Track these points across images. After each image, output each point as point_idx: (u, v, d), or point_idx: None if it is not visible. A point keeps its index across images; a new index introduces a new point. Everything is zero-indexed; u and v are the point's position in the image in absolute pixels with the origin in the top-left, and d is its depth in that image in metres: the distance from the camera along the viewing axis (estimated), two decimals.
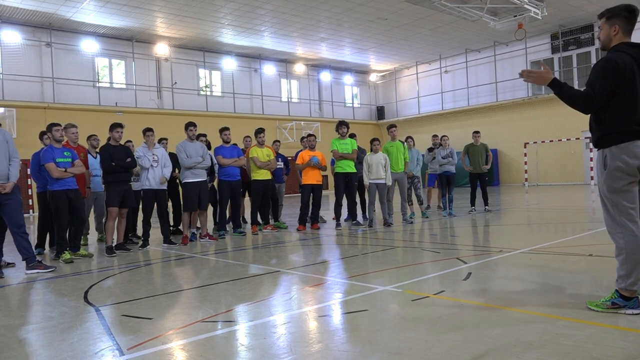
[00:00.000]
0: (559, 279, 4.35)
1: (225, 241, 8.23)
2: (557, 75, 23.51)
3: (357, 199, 10.18)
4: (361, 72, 30.50)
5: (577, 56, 22.96)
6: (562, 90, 3.29)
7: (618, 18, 3.29)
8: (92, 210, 8.47)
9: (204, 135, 8.92)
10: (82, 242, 8.09)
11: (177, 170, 8.75)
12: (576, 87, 22.57)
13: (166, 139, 9.24)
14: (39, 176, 7.33)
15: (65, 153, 6.73)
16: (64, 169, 6.58)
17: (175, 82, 22.88)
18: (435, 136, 11.85)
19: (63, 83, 19.87)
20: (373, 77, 31.26)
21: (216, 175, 8.91)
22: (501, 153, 25.22)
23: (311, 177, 9.32)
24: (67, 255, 6.61)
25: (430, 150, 11.58)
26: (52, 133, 6.71)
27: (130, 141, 8.98)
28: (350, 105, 30.54)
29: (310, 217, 9.51)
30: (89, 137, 8.34)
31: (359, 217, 10.16)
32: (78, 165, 6.84)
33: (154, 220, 8.16)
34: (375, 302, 3.90)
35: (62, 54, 19.91)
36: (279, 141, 10.89)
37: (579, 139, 21.92)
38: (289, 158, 10.94)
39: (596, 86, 3.19)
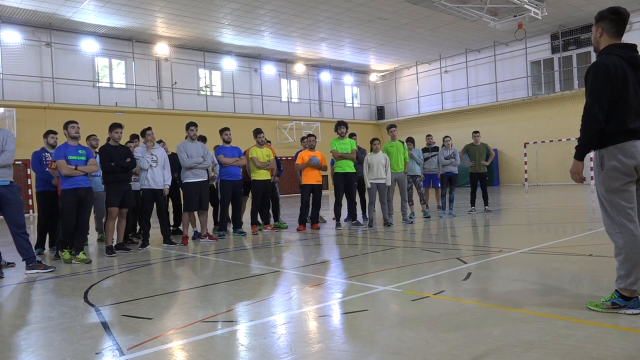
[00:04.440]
0: (559, 279, 4.35)
1: (225, 241, 8.23)
2: (557, 75, 23.56)
3: (357, 199, 10.17)
4: (361, 72, 30.50)
5: (577, 56, 22.98)
6: (582, 145, 3.31)
7: (603, 20, 3.35)
8: (92, 210, 8.47)
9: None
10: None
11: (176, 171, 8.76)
12: (576, 86, 22.66)
13: (161, 141, 9.22)
14: (41, 174, 7.42)
15: (80, 151, 6.71)
16: (74, 167, 6.55)
17: (175, 82, 22.88)
18: (429, 136, 11.82)
19: (63, 83, 19.88)
20: (373, 77, 31.27)
21: (215, 174, 8.92)
22: (501, 153, 25.23)
23: (311, 177, 9.32)
24: (66, 254, 6.55)
25: (424, 150, 11.55)
26: (67, 130, 6.69)
27: (131, 141, 8.98)
28: (350, 105, 30.55)
29: (310, 217, 9.51)
30: (88, 137, 8.36)
31: (359, 217, 10.16)
32: (91, 164, 6.81)
33: (154, 220, 8.16)
34: (375, 302, 3.90)
35: (62, 54, 19.91)
36: (269, 141, 10.74)
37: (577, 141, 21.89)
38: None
39: (594, 100, 3.21)
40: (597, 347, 2.68)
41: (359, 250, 6.80)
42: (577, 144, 3.36)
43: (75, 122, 6.77)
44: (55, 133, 7.84)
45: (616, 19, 3.30)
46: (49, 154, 7.63)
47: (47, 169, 7.60)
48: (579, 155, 3.37)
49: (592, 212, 10.29)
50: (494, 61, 25.52)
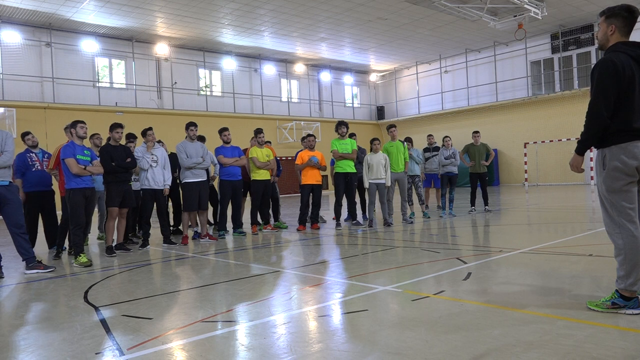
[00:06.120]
0: (559, 279, 4.35)
1: (225, 241, 8.23)
2: (557, 75, 23.56)
3: (357, 199, 10.17)
4: (361, 72, 30.50)
5: (577, 56, 22.97)
6: (584, 141, 3.32)
7: (616, 17, 3.29)
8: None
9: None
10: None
11: (177, 171, 8.76)
12: (576, 86, 22.65)
13: (160, 141, 9.22)
14: (27, 176, 7.36)
15: (85, 152, 6.67)
16: (83, 167, 6.51)
17: (175, 82, 22.88)
18: (430, 136, 11.81)
19: (63, 83, 19.88)
20: (373, 77, 31.26)
21: (216, 174, 8.93)
22: (501, 153, 25.22)
23: (311, 177, 9.32)
24: (84, 258, 6.32)
25: (425, 150, 11.55)
26: (76, 129, 6.62)
27: (131, 141, 8.98)
28: (350, 105, 30.55)
29: (310, 217, 9.51)
30: (91, 136, 8.30)
31: (359, 217, 10.16)
32: (97, 165, 6.78)
33: (154, 220, 8.16)
34: (375, 302, 3.90)
35: (62, 54, 19.91)
36: (269, 142, 10.73)
37: (578, 138, 21.88)
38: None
39: (600, 97, 3.19)
40: (597, 347, 2.68)
41: (359, 250, 6.80)
42: (579, 138, 3.35)
43: (84, 122, 6.72)
44: (29, 134, 7.77)
45: (629, 18, 3.27)
46: (34, 154, 7.57)
47: (45, 169, 7.57)
48: (580, 150, 3.38)
49: (592, 212, 10.29)
50: (494, 61, 25.52)
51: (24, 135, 7.73)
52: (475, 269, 4.97)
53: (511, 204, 13.41)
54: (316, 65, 28.13)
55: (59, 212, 7.51)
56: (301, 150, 9.67)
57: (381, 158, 9.00)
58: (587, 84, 21.50)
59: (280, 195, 10.55)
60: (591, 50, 22.24)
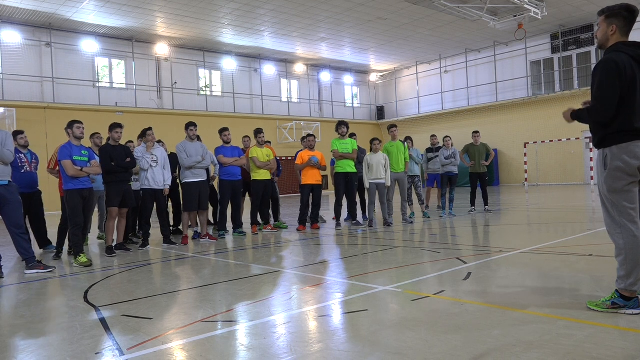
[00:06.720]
0: (559, 279, 4.35)
1: (225, 241, 8.23)
2: (557, 75, 23.56)
3: (357, 199, 10.17)
4: (361, 72, 30.50)
5: (577, 56, 22.96)
6: (581, 120, 3.37)
7: (617, 17, 3.28)
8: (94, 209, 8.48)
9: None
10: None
11: (177, 171, 8.77)
12: (576, 86, 22.66)
13: (160, 141, 9.23)
14: (14, 176, 7.28)
15: (83, 152, 6.64)
16: (80, 168, 6.48)
17: (175, 82, 22.88)
18: (433, 136, 11.81)
19: (63, 83, 19.88)
20: (373, 77, 31.26)
21: (216, 174, 8.94)
22: (501, 153, 25.22)
23: (311, 177, 9.32)
24: (83, 258, 6.32)
25: (428, 150, 11.54)
26: (72, 130, 6.58)
27: (131, 141, 8.99)
28: (350, 105, 30.54)
29: (310, 217, 9.51)
30: (92, 136, 8.30)
31: (359, 217, 10.16)
32: (95, 166, 6.75)
33: (154, 220, 8.16)
34: (375, 302, 3.90)
35: (62, 54, 19.91)
36: (269, 142, 10.70)
37: (579, 139, 21.91)
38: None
39: (602, 95, 3.19)
40: (597, 347, 2.68)
41: (359, 250, 6.80)
42: (580, 110, 3.37)
43: (81, 123, 6.68)
44: (22, 133, 7.69)
45: (629, 17, 3.26)
46: (23, 155, 7.51)
47: (33, 171, 7.53)
48: (575, 118, 3.42)
49: (592, 212, 10.29)
50: (494, 61, 25.52)
51: (17, 134, 7.61)
52: (475, 269, 4.97)
53: (511, 204, 13.40)
54: (316, 65, 28.13)
55: (56, 213, 7.50)
56: (301, 150, 9.67)
57: (381, 158, 9.00)
58: (587, 84, 21.50)
59: (280, 195, 10.56)
60: (591, 50, 22.24)
